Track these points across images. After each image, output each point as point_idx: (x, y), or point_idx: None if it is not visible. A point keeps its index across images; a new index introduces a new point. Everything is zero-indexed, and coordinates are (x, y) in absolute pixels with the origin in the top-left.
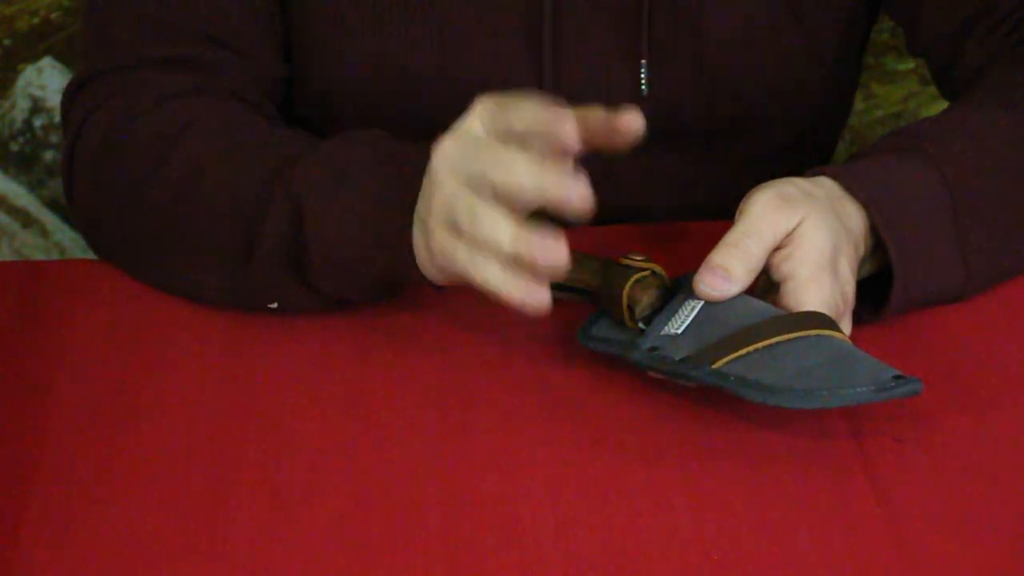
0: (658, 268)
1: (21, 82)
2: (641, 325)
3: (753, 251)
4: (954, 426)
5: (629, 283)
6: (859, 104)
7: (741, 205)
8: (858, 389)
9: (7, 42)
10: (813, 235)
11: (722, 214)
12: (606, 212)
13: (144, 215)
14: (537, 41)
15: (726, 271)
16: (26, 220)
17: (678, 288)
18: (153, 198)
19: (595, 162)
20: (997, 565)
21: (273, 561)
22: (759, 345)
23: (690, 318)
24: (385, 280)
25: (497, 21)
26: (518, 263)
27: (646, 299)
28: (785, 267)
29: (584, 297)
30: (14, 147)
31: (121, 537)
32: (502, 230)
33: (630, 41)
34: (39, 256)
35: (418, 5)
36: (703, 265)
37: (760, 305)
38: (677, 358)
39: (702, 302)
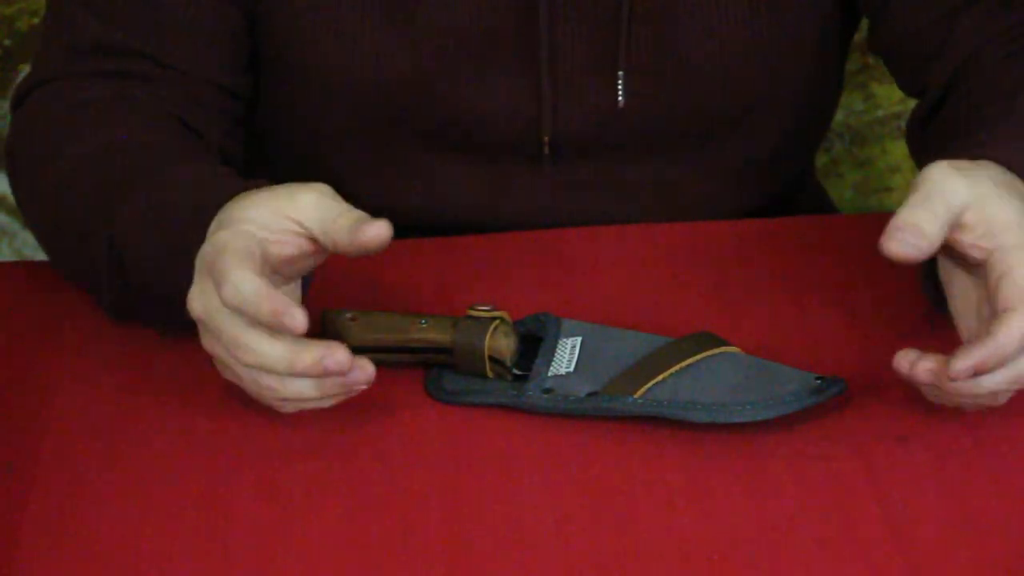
0: (504, 314)
1: None
2: (516, 371)
3: (939, 212)
4: (954, 426)
5: (488, 334)
6: (859, 104)
7: (917, 178)
8: (799, 396)
9: (7, 42)
10: (1002, 207)
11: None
12: (591, 220)
13: (33, 224)
14: (532, 49)
15: (917, 227)
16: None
17: (529, 330)
18: (33, 208)
19: (578, 171)
20: (997, 565)
21: (273, 561)
22: (673, 370)
23: (576, 356)
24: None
25: (490, 29)
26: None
27: (510, 346)
28: (985, 243)
29: (440, 356)
30: (4, 146)
31: (121, 537)
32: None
33: (607, 52)
34: (39, 256)
35: (410, 12)
36: (891, 225)
37: (639, 335)
38: (583, 394)
39: (580, 339)
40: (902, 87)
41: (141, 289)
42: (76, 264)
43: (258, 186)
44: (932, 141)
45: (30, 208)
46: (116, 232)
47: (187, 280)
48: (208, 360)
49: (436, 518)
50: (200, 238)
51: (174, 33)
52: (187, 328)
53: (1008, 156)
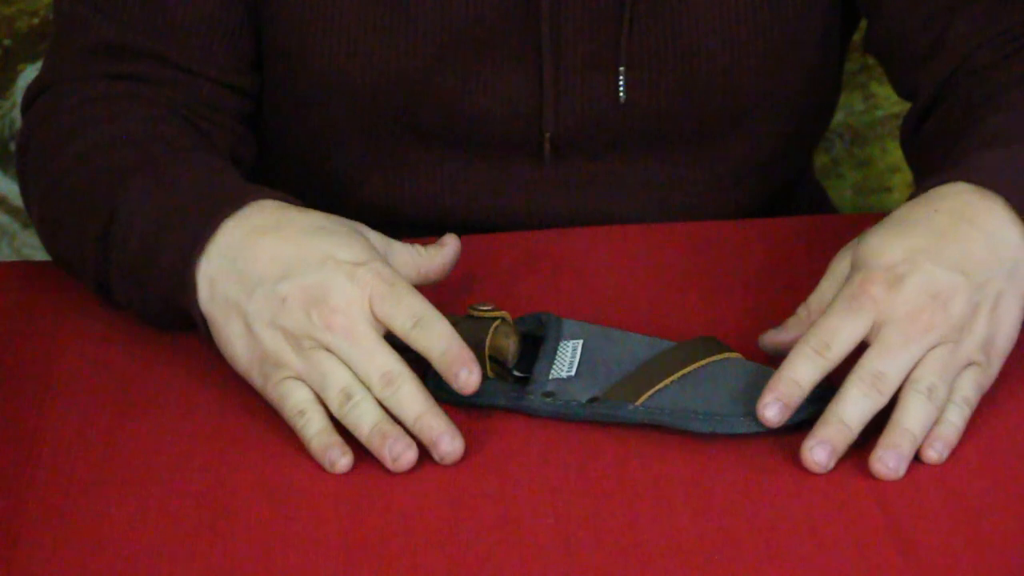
0: (505, 313)
1: (21, 82)
2: (516, 373)
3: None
4: None
5: (490, 334)
6: (859, 104)
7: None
8: (800, 405)
9: (7, 42)
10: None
11: (707, 219)
12: (592, 217)
13: (38, 215)
14: (534, 45)
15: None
16: (26, 220)
17: (529, 329)
18: (36, 196)
19: (579, 168)
20: (998, 566)
21: (273, 561)
22: (674, 377)
23: (577, 359)
24: (168, 297)
25: (491, 26)
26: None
27: (511, 346)
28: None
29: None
30: (14, 147)
31: (120, 537)
32: (366, 419)
33: (609, 48)
34: (39, 256)
35: (410, 10)
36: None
37: (641, 339)
38: (583, 400)
39: (581, 341)
40: (894, 87)
41: (129, 263)
42: (72, 247)
43: (261, 192)
44: (925, 144)
45: (34, 196)
46: (118, 205)
47: (175, 250)
48: (207, 359)
49: (436, 518)
50: (201, 209)
51: (180, 32)
52: (171, 320)
53: (979, 170)
